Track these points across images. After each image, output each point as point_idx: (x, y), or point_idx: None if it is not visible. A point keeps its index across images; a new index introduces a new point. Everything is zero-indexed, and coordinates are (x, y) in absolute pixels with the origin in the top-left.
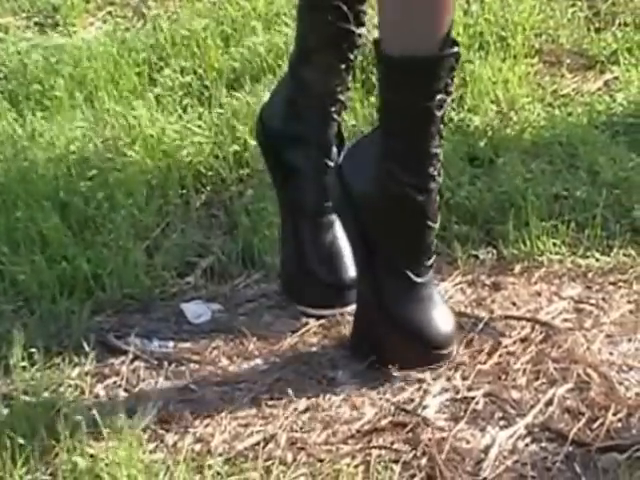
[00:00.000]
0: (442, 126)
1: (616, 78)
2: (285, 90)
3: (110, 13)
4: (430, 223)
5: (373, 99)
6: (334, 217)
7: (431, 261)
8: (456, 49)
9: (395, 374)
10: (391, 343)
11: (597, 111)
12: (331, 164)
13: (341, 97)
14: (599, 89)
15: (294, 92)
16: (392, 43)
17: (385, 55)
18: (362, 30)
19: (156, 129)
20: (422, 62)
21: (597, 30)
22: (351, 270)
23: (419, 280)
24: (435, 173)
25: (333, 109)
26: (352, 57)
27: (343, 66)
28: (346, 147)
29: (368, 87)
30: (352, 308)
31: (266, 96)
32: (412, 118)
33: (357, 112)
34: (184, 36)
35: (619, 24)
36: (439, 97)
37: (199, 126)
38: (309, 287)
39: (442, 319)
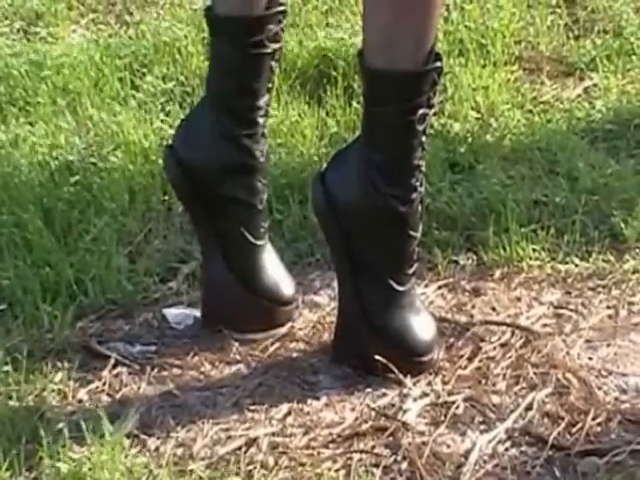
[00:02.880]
0: (424, 138)
1: (595, 85)
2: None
3: (93, 20)
4: (412, 233)
5: (356, 105)
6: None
7: (413, 269)
8: (439, 64)
9: (376, 379)
10: (373, 351)
11: (576, 118)
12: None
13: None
14: (578, 96)
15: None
16: (376, 56)
17: (368, 68)
18: None
19: (139, 135)
20: (405, 76)
21: (576, 37)
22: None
23: (401, 288)
24: (417, 184)
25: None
26: None
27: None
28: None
29: (350, 94)
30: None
31: None
32: (394, 131)
33: (339, 119)
34: (166, 43)
35: (598, 31)
36: (421, 111)
37: None
38: (255, 311)
39: (423, 327)
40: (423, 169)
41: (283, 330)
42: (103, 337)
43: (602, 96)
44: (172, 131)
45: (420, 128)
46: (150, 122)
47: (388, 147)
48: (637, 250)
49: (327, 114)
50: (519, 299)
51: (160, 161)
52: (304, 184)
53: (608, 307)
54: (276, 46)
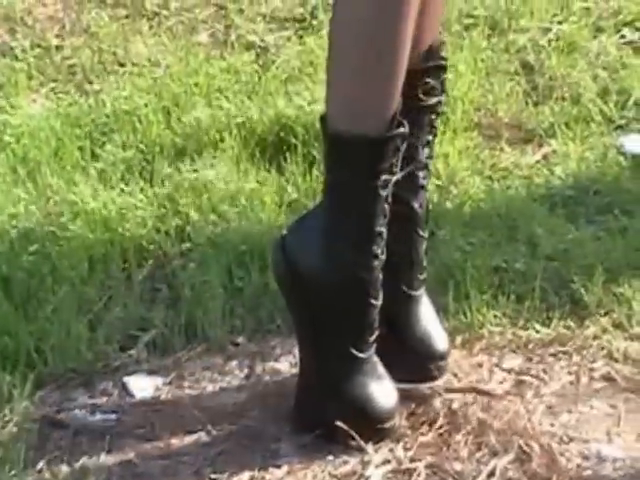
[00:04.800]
0: (386, 205)
1: (554, 151)
2: None
3: (53, 89)
4: (373, 301)
5: (316, 172)
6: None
7: (373, 337)
8: (402, 130)
9: (337, 446)
10: (334, 417)
11: (536, 184)
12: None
13: None
14: (537, 162)
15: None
16: (339, 121)
17: (331, 132)
18: None
19: (98, 203)
20: (368, 141)
21: (535, 104)
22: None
23: (362, 355)
24: (379, 252)
25: None
26: None
27: None
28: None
29: (310, 160)
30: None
31: (209, 172)
32: (356, 196)
33: (299, 186)
34: (126, 111)
35: (556, 98)
36: (384, 177)
37: (141, 200)
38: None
39: (384, 393)
40: (385, 237)
41: (244, 397)
42: (63, 406)
43: (561, 162)
44: (132, 199)
45: (382, 194)
46: (110, 190)
47: (349, 213)
48: (597, 316)
49: (287, 181)
50: (480, 365)
51: (120, 229)
52: (264, 251)
53: (569, 373)
54: (435, 100)
